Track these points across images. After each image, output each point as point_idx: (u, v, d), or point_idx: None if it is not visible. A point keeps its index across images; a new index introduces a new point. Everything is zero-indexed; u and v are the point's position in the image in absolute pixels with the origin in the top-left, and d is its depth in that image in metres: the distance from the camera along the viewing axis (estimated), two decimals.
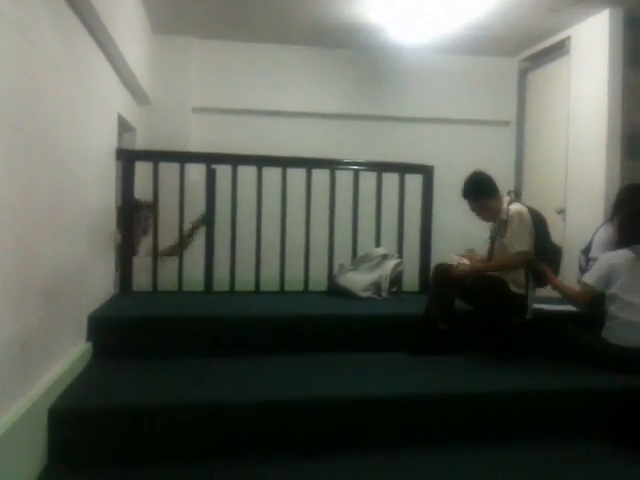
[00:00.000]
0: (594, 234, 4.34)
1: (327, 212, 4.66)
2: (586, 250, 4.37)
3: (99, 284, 3.80)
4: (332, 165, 4.70)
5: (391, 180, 4.72)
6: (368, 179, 4.73)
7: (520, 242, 3.64)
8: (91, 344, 3.37)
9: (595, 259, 4.06)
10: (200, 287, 4.47)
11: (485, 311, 3.71)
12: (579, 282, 4.32)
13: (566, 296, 3.83)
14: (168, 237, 4.51)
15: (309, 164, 4.62)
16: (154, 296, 4.33)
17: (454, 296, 3.72)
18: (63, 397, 2.71)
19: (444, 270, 3.76)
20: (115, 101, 4.31)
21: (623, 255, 3.65)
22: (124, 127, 4.88)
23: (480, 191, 3.82)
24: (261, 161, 4.55)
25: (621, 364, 3.36)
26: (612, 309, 3.57)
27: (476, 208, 3.85)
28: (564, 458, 2.83)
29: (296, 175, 4.60)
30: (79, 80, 3.17)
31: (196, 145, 5.82)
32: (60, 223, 2.85)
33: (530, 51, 6.22)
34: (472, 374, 3.35)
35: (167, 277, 4.48)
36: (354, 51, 6.22)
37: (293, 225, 4.62)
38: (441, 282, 3.74)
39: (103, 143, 3.88)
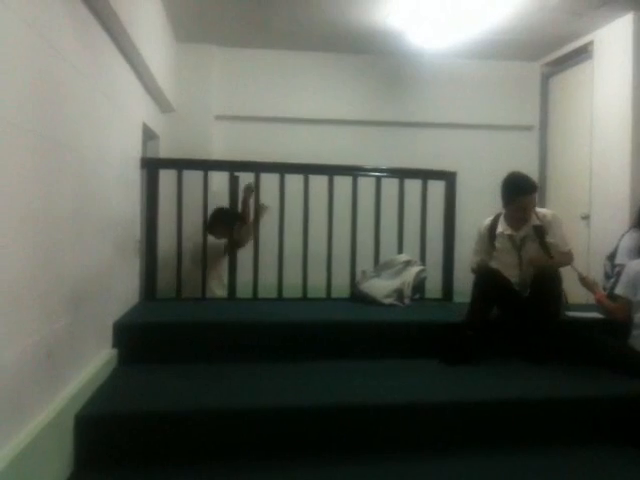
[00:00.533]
0: (619, 240, 4.30)
1: (349, 219, 4.66)
2: (611, 256, 4.33)
3: (124, 291, 3.83)
4: (354, 172, 4.69)
5: (413, 186, 4.71)
6: (390, 185, 4.72)
7: (567, 241, 3.87)
8: (116, 351, 3.40)
9: (621, 265, 4.02)
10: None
11: (541, 310, 3.68)
12: (605, 289, 4.28)
13: (607, 311, 3.79)
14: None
15: (331, 171, 4.62)
16: (178, 303, 4.36)
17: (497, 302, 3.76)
18: (89, 404, 2.74)
19: (494, 275, 3.79)
20: (139, 109, 4.35)
21: None
22: (148, 135, 4.93)
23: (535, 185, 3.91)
24: (283, 168, 4.56)
25: None
26: (638, 317, 3.53)
27: (530, 203, 3.84)
28: (586, 464, 2.81)
29: (318, 182, 4.61)
30: (103, 87, 3.21)
31: (218, 153, 5.86)
32: (85, 230, 2.89)
33: (553, 55, 6.18)
34: (497, 380, 3.33)
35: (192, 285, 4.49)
36: (374, 57, 6.23)
37: (315, 232, 4.62)
38: (490, 287, 3.74)
39: (128, 151, 3.92)
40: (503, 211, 3.99)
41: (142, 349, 3.45)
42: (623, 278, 3.68)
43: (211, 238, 4.77)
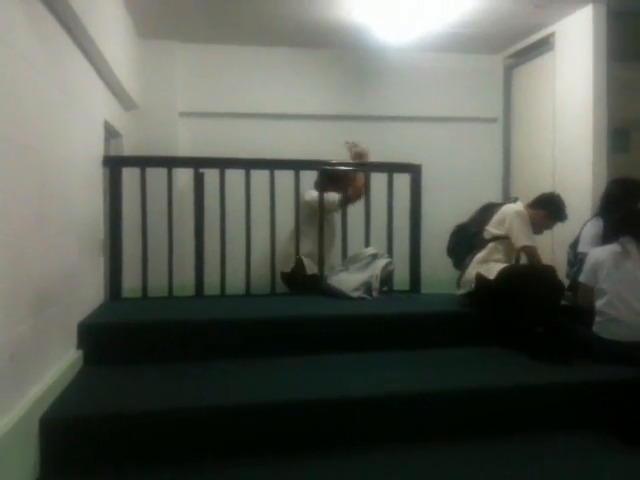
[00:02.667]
0: (581, 229, 4.36)
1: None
2: (574, 245, 4.40)
3: (89, 291, 3.79)
4: (320, 166, 4.70)
5: (379, 180, 4.72)
6: None
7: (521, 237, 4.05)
8: (82, 352, 3.35)
9: (583, 253, 4.09)
10: (190, 292, 4.46)
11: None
12: (568, 277, 4.35)
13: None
14: (154, 243, 4.46)
15: (297, 166, 4.61)
16: (144, 302, 4.32)
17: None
18: (54, 407, 2.70)
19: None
20: (101, 107, 4.29)
21: (609, 249, 3.67)
22: (111, 133, 4.86)
23: None
24: (249, 164, 4.54)
25: (614, 358, 3.38)
26: (599, 304, 3.59)
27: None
28: (560, 450, 2.86)
29: (284, 177, 4.60)
30: (62, 85, 3.15)
31: (184, 150, 5.80)
32: (48, 231, 2.84)
33: (515, 48, 6.24)
34: (468, 369, 3.37)
35: (156, 282, 4.44)
36: (339, 51, 6.22)
37: (282, 227, 4.62)
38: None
39: (90, 149, 3.87)
40: (525, 209, 4.10)
41: (108, 350, 3.40)
42: (586, 266, 3.75)
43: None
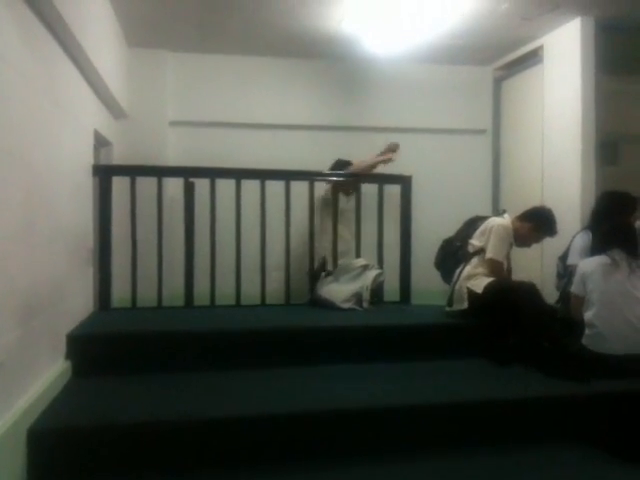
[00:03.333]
0: (571, 241, 4.38)
1: (306, 224, 4.66)
2: (563, 257, 4.41)
3: (77, 301, 3.76)
4: (311, 177, 4.70)
5: (370, 191, 4.73)
6: None
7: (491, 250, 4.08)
8: (70, 363, 3.32)
9: (572, 265, 4.11)
10: (180, 302, 4.44)
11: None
12: (558, 288, 4.37)
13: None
14: (144, 252, 4.44)
15: (288, 176, 4.61)
16: (133, 312, 4.29)
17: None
18: (42, 417, 2.67)
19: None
20: (91, 116, 4.28)
21: (598, 261, 3.68)
22: (100, 142, 4.84)
23: None
24: (239, 174, 4.54)
25: (603, 370, 3.39)
26: (588, 315, 3.60)
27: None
28: (549, 462, 2.86)
29: (275, 187, 4.59)
30: (52, 94, 3.14)
31: (174, 159, 5.79)
32: (36, 240, 2.82)
33: (504, 60, 6.29)
34: (455, 382, 3.36)
35: (146, 292, 4.42)
36: (329, 61, 6.24)
37: (273, 237, 4.61)
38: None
39: (79, 158, 3.85)
40: (513, 221, 4.15)
41: (97, 360, 3.37)
42: (575, 277, 3.76)
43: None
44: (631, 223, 4.00)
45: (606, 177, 5.06)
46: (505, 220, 4.14)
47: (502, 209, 4.48)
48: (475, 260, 4.04)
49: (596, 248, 3.85)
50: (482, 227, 4.10)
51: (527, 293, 3.72)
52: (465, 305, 3.96)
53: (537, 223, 4.16)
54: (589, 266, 3.69)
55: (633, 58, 5.41)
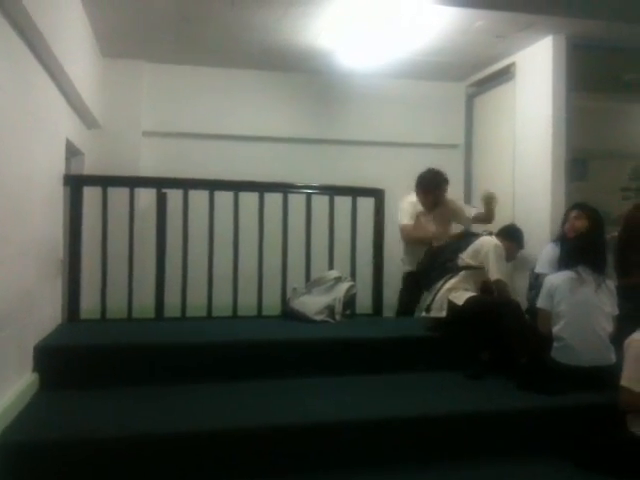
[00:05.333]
0: (541, 251, 4.46)
1: (280, 236, 4.65)
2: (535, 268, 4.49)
3: (46, 313, 3.70)
4: (285, 189, 4.69)
5: (343, 203, 4.74)
6: (320, 202, 4.74)
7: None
8: (38, 375, 3.26)
9: (542, 274, 4.18)
10: (150, 314, 4.39)
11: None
12: (528, 300, 4.42)
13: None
14: (115, 263, 4.40)
15: (262, 188, 4.60)
16: (102, 324, 4.24)
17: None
18: (9, 431, 2.62)
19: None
20: (63, 125, 4.23)
21: (565, 275, 3.71)
22: (72, 151, 4.80)
23: None
24: (213, 185, 4.52)
25: (571, 383, 3.41)
26: (556, 329, 3.63)
27: None
28: (519, 476, 2.89)
29: (248, 199, 4.59)
30: (23, 103, 3.10)
31: (147, 170, 5.74)
32: (5, 250, 2.77)
33: (477, 76, 6.38)
34: (426, 396, 3.37)
35: (116, 304, 4.36)
36: (306, 75, 6.27)
37: (246, 249, 4.59)
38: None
39: (50, 168, 3.81)
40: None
41: (65, 373, 3.32)
42: (542, 291, 3.79)
43: None
44: (598, 238, 4.06)
45: (576, 193, 5.14)
46: (497, 240, 4.12)
47: (488, 231, 4.44)
48: (463, 274, 4.02)
49: (564, 263, 3.90)
50: (475, 246, 4.05)
51: (513, 310, 3.76)
52: (443, 314, 3.95)
53: (516, 241, 4.39)
54: (556, 280, 3.73)
55: (603, 76, 5.54)
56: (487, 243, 4.03)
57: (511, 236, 4.38)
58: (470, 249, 4.06)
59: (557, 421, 3.20)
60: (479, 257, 4.00)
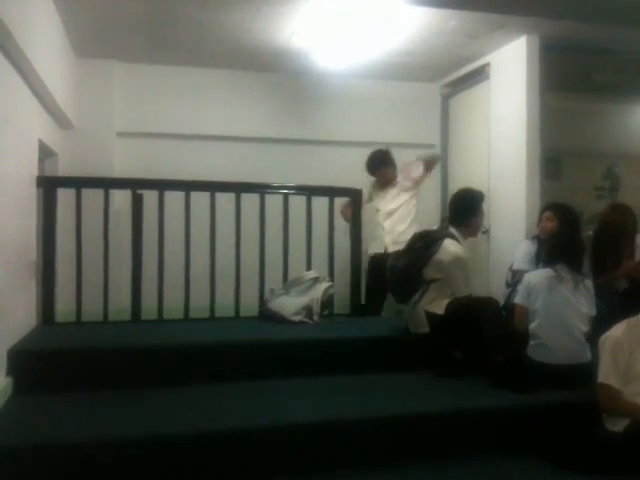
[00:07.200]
0: (517, 250, 4.50)
1: (257, 237, 4.64)
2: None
3: (19, 316, 3.65)
4: (261, 189, 4.68)
5: (320, 203, 4.74)
6: (297, 203, 4.74)
7: None
8: (11, 379, 3.21)
9: (519, 271, 4.21)
10: (127, 316, 4.35)
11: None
12: (504, 297, 4.45)
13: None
14: (90, 265, 4.35)
15: (238, 188, 4.59)
16: (78, 327, 4.18)
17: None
18: None
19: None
20: (35, 125, 4.18)
21: (544, 273, 3.74)
22: (45, 153, 4.73)
23: None
24: (189, 186, 4.49)
25: (546, 381, 3.43)
26: (532, 326, 3.65)
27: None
28: (498, 474, 2.90)
29: (225, 200, 4.56)
30: None
31: (121, 171, 5.67)
32: None
33: (452, 77, 6.41)
34: (406, 395, 3.38)
35: (92, 307, 4.31)
36: (281, 75, 6.25)
37: (223, 250, 4.57)
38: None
39: (22, 169, 3.75)
40: (460, 232, 4.05)
41: (39, 377, 3.26)
42: (520, 288, 3.81)
43: None
44: (573, 237, 4.05)
45: (550, 192, 5.18)
46: (456, 245, 3.95)
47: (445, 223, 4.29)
48: (434, 286, 3.90)
49: (543, 261, 3.92)
50: (435, 260, 3.89)
51: (493, 310, 3.76)
52: (427, 329, 3.86)
53: (474, 211, 4.13)
54: (535, 278, 3.75)
55: (576, 76, 5.61)
56: (446, 256, 3.86)
57: (468, 213, 4.11)
58: (432, 263, 3.88)
59: (531, 419, 3.22)
60: (442, 271, 3.88)
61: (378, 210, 5.28)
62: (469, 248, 4.25)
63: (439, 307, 3.82)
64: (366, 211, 5.16)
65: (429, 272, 3.90)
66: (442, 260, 3.87)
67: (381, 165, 5.20)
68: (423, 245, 3.96)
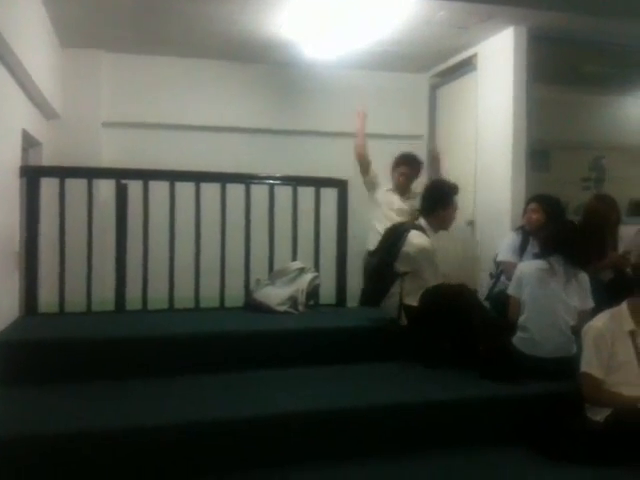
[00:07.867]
0: (502, 241, 4.51)
1: (243, 227, 4.62)
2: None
3: (2, 307, 3.63)
4: (247, 180, 4.66)
5: (306, 194, 4.73)
6: (283, 193, 4.73)
7: None
8: None
9: (503, 262, 4.22)
10: (111, 307, 4.33)
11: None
12: (488, 288, 4.47)
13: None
14: (74, 256, 4.32)
15: (224, 179, 4.57)
16: (61, 317, 4.17)
17: None
18: None
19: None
20: (19, 115, 4.15)
21: (537, 265, 3.73)
22: (30, 142, 4.70)
23: None
24: (174, 176, 4.48)
25: (533, 373, 3.44)
26: (521, 318, 3.65)
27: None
28: (483, 464, 2.92)
29: (210, 190, 4.55)
30: None
31: (107, 161, 5.65)
32: None
33: (440, 67, 6.40)
34: (391, 385, 3.39)
35: (75, 297, 4.29)
36: (268, 66, 6.23)
37: (208, 240, 4.56)
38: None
39: (5, 159, 3.73)
40: (428, 222, 4.03)
41: (23, 367, 3.25)
42: (513, 278, 3.80)
43: None
44: (573, 229, 3.99)
45: (537, 183, 5.19)
46: (421, 236, 3.91)
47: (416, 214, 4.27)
48: (407, 277, 3.87)
49: (538, 252, 3.91)
50: (402, 253, 3.87)
51: (472, 297, 3.78)
52: (404, 322, 3.86)
53: (444, 204, 4.05)
54: (527, 269, 3.74)
55: (563, 68, 5.61)
56: (411, 248, 3.84)
57: (437, 204, 4.04)
58: (400, 257, 3.87)
59: (517, 410, 3.24)
60: (410, 263, 3.85)
61: (392, 205, 5.14)
62: (454, 239, 4.25)
63: (414, 299, 3.82)
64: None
65: (399, 265, 3.88)
66: (408, 252, 3.86)
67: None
68: (392, 240, 3.96)
